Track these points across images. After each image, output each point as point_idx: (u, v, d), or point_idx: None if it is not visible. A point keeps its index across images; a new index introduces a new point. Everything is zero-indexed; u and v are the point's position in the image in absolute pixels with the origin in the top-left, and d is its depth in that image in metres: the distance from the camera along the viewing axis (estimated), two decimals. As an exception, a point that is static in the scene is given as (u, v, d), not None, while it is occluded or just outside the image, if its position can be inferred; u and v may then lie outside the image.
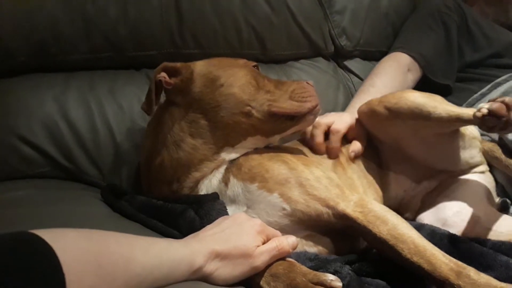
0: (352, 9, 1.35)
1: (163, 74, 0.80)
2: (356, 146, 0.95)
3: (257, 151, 0.82)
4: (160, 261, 0.52)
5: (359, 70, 1.38)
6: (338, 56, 1.37)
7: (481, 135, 0.98)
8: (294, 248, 0.65)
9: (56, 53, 0.94)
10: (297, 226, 0.75)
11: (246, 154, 0.81)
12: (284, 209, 0.74)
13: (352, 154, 0.93)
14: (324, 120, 0.95)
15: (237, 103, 0.79)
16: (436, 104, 0.85)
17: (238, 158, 0.80)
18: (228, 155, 0.80)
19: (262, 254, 0.61)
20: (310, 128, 0.94)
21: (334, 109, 1.25)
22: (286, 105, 0.80)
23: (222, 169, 0.79)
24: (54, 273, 0.40)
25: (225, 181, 0.78)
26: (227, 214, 0.71)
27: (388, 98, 0.91)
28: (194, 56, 1.11)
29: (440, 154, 0.93)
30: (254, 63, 0.86)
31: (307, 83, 0.85)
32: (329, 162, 0.92)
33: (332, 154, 0.93)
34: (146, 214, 0.71)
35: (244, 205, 0.76)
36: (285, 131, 0.83)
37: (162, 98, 0.83)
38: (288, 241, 0.65)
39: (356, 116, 0.98)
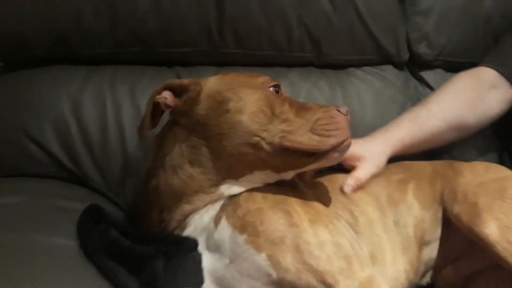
0: (441, 9, 1.10)
1: (166, 94, 0.71)
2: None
3: (264, 189, 0.70)
4: None
5: (440, 85, 1.13)
6: (414, 65, 1.15)
7: None
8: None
9: (79, 45, 0.90)
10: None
11: (251, 191, 0.69)
12: (269, 275, 0.62)
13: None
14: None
15: (244, 132, 0.67)
16: None
17: (241, 194, 0.69)
18: (229, 188, 0.69)
19: None
20: None
21: (394, 132, 1.06)
22: (302, 139, 0.67)
23: (217, 205, 0.69)
24: None
25: (217, 220, 0.68)
26: (199, 272, 0.61)
27: None
28: (234, 56, 1.01)
29: None
30: (275, 83, 0.73)
31: (337, 110, 0.70)
32: (354, 211, 0.77)
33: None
34: (112, 253, 0.64)
35: (227, 257, 0.65)
36: (300, 168, 0.70)
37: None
38: None
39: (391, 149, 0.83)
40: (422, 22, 1.10)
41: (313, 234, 0.64)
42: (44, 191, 0.78)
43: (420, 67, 1.14)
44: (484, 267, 0.76)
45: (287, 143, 0.67)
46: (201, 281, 0.64)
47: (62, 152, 0.85)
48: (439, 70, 1.15)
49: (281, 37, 1.00)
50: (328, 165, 0.73)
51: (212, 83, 0.72)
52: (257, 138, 0.67)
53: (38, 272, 0.53)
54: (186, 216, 0.70)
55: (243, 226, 0.65)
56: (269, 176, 0.70)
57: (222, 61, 1.01)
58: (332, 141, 0.67)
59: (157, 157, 0.73)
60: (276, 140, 0.67)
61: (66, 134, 0.85)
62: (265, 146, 0.67)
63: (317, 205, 0.71)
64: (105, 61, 0.93)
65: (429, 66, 1.14)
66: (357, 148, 0.82)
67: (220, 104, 0.69)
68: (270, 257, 0.62)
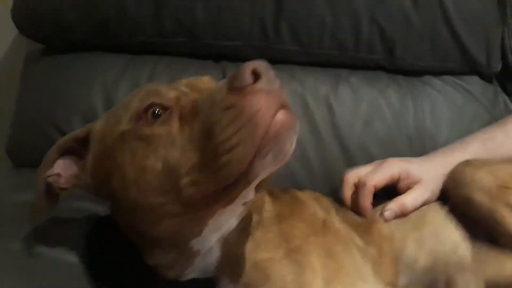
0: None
1: (57, 168, 0.52)
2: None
3: (283, 224, 0.57)
4: None
5: (540, 104, 0.94)
6: (506, 78, 0.95)
7: None
8: None
9: (119, 32, 0.81)
10: None
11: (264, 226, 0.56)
12: None
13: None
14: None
15: (150, 209, 0.46)
16: None
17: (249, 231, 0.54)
18: (204, 242, 0.50)
19: None
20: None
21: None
22: (204, 179, 0.42)
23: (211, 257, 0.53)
24: None
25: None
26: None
27: None
28: (290, 53, 0.88)
29: None
30: (147, 103, 0.47)
31: (241, 84, 0.41)
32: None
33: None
34: None
35: None
36: (241, 191, 0.45)
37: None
38: None
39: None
40: (524, 26, 0.91)
41: None
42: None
43: (515, 80, 0.95)
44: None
45: (192, 195, 0.43)
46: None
47: (90, 149, 0.78)
48: (542, 87, 0.95)
49: (347, 36, 0.86)
50: (274, 169, 0.43)
51: (96, 137, 0.51)
52: (166, 206, 0.45)
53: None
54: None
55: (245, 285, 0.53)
56: (225, 214, 0.48)
57: (276, 58, 0.89)
58: (239, 153, 0.39)
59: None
60: (186, 193, 0.43)
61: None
62: (171, 209, 0.45)
63: (345, 257, 0.57)
64: (146, 51, 0.84)
65: (528, 80, 0.95)
66: (415, 168, 0.71)
67: (106, 179, 0.49)
68: None
